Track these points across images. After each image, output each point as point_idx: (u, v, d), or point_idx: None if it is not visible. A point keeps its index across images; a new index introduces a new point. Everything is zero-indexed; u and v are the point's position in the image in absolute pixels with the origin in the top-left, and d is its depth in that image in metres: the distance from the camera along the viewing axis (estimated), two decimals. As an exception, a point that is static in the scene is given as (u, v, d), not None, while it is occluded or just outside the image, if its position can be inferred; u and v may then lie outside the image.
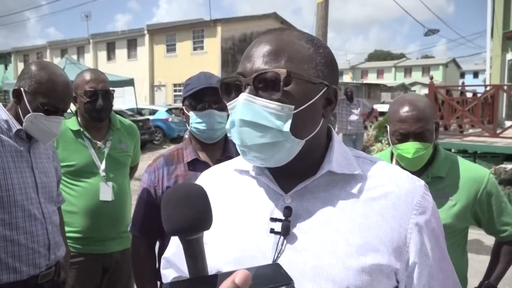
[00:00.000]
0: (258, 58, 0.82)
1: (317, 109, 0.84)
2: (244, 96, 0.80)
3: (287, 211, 0.84)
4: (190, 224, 0.61)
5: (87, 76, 2.28)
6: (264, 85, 0.80)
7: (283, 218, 0.84)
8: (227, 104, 0.86)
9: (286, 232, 0.82)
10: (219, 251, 0.88)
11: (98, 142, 2.34)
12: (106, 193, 2.28)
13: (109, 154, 2.34)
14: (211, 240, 0.89)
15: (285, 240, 0.83)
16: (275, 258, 0.82)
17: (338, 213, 0.83)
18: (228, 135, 0.88)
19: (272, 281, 0.57)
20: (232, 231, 0.89)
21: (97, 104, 2.24)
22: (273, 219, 0.84)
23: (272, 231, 0.83)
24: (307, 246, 0.81)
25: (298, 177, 0.86)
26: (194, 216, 0.62)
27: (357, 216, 0.82)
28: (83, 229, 2.27)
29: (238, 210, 0.91)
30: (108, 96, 2.29)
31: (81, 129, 2.31)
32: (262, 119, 0.79)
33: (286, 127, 0.79)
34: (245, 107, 0.79)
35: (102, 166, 2.30)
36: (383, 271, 0.79)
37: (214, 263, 0.85)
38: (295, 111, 0.80)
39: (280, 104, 0.79)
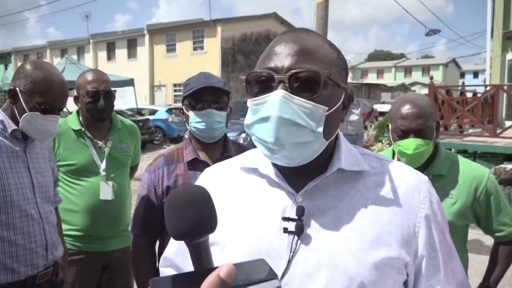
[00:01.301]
0: (290, 56, 0.81)
1: (339, 112, 0.87)
2: (281, 93, 0.78)
3: (300, 210, 0.84)
4: (196, 228, 0.60)
5: (89, 77, 2.29)
6: (300, 84, 0.79)
7: (296, 217, 0.84)
8: (253, 99, 0.83)
9: (300, 232, 0.83)
10: (232, 250, 0.87)
11: (99, 141, 2.35)
12: (106, 192, 2.29)
13: (110, 154, 2.36)
14: (222, 239, 0.88)
15: (299, 239, 0.83)
16: (290, 257, 0.82)
17: (350, 210, 0.84)
18: (248, 131, 0.86)
19: (257, 276, 0.56)
20: (244, 230, 0.88)
21: (98, 104, 2.25)
22: (286, 219, 0.85)
23: (285, 230, 0.84)
24: (321, 243, 0.82)
25: (307, 175, 0.87)
26: (199, 220, 0.60)
27: (368, 212, 0.84)
28: (83, 228, 2.28)
29: (248, 209, 0.90)
30: (109, 97, 2.30)
31: (83, 129, 2.32)
32: (299, 119, 0.78)
33: (320, 128, 0.80)
34: (283, 104, 0.78)
35: (103, 165, 2.31)
36: (395, 265, 0.81)
37: (227, 263, 0.85)
38: (328, 112, 0.81)
39: (316, 104, 0.79)
